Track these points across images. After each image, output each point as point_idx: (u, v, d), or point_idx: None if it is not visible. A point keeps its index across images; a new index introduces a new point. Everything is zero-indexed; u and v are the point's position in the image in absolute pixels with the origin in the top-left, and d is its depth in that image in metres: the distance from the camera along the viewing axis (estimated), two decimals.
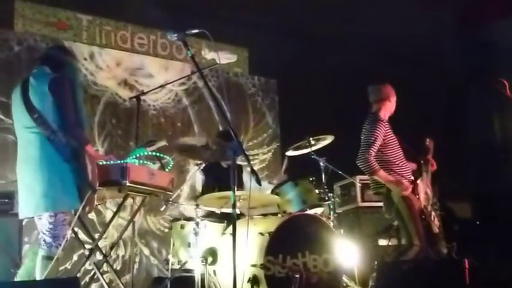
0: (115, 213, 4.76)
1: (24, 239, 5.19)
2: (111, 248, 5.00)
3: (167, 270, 5.31)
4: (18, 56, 6.43)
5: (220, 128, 7.40)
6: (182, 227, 5.19)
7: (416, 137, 5.36)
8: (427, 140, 5.41)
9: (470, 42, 8.20)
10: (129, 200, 4.83)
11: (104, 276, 4.63)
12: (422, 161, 5.34)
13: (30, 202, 3.84)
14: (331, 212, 5.59)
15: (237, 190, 3.92)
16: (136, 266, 6.67)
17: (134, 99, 5.47)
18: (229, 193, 4.04)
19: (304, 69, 7.69)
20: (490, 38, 7.97)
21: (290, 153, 5.87)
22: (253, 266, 4.60)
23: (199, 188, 5.88)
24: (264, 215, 5.43)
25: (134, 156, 4.32)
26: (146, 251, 6.87)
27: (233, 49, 7.94)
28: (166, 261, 5.28)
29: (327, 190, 5.52)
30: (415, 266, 4.30)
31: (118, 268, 6.45)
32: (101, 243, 4.75)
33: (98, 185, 3.97)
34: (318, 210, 5.49)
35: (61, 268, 5.94)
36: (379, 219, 6.62)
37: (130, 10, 6.95)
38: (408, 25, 7.37)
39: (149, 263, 6.86)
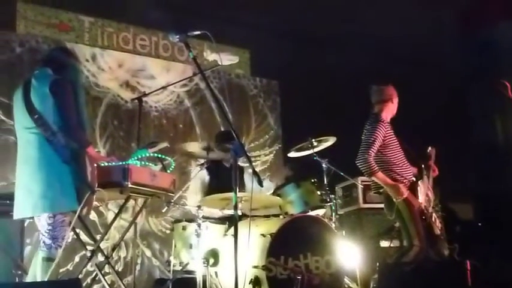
0: (117, 215, 4.76)
1: (25, 240, 5.19)
2: (113, 250, 5.01)
3: (169, 271, 5.31)
4: (20, 58, 6.44)
5: (222, 130, 7.39)
6: (184, 228, 5.19)
7: (416, 138, 5.36)
8: (429, 148, 5.41)
9: (471, 43, 8.19)
10: (131, 202, 4.82)
11: (106, 277, 4.62)
12: (423, 166, 5.33)
13: (28, 202, 3.84)
14: (333, 214, 5.58)
15: (239, 191, 3.91)
16: (138, 267, 6.66)
17: (136, 101, 5.48)
18: (231, 194, 4.03)
19: (306, 70, 7.69)
20: (491, 38, 7.96)
21: (292, 154, 5.87)
22: (255, 267, 4.60)
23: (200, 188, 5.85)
24: (266, 216, 5.43)
25: (136, 158, 4.31)
26: (148, 253, 6.87)
27: (235, 50, 7.94)
28: (168, 262, 5.27)
29: (328, 191, 5.52)
30: (417, 268, 4.30)
31: (120, 269, 6.45)
32: (102, 245, 4.74)
33: (96, 186, 3.96)
34: (319, 212, 5.48)
35: (63, 269, 5.96)
36: (380, 220, 6.62)
37: (132, 12, 6.95)
38: (411, 25, 7.37)
39: (151, 265, 6.86)
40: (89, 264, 4.50)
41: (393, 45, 7.70)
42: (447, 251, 5.18)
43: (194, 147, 5.63)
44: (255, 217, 5.20)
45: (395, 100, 5.34)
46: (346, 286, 5.13)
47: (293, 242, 4.80)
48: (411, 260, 4.91)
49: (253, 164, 4.59)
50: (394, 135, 5.21)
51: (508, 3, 7.63)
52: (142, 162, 4.34)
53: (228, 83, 7.95)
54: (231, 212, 4.82)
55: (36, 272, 3.80)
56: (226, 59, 5.23)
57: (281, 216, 5.27)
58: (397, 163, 5.14)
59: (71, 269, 6.09)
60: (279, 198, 5.33)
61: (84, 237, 4.88)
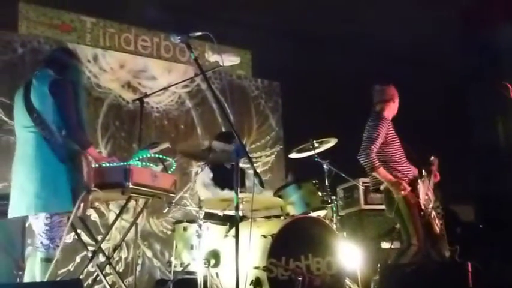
0: (118, 215, 4.77)
1: (27, 240, 5.19)
2: (114, 250, 5.01)
3: (170, 272, 5.31)
4: (22, 58, 6.44)
5: (223, 130, 7.39)
6: (185, 229, 5.19)
7: (416, 138, 5.37)
8: (432, 157, 5.41)
9: (471, 43, 8.19)
10: (132, 202, 4.82)
11: (107, 278, 4.62)
12: (423, 169, 5.33)
13: (22, 201, 3.83)
14: (334, 215, 5.58)
15: (240, 192, 3.92)
16: (139, 268, 6.66)
17: (137, 102, 5.49)
18: (232, 195, 4.03)
19: (307, 71, 7.69)
20: (491, 38, 7.96)
21: (293, 155, 5.87)
22: (256, 268, 4.60)
23: (202, 188, 5.85)
24: (267, 217, 5.43)
25: (137, 158, 4.32)
26: (149, 253, 6.87)
27: (236, 51, 7.93)
28: (169, 263, 5.28)
29: (330, 193, 5.52)
30: (418, 269, 4.30)
31: (121, 270, 6.45)
32: (103, 245, 4.75)
33: (93, 186, 3.94)
34: (321, 213, 5.48)
35: (64, 270, 5.98)
36: (382, 222, 6.63)
37: (134, 12, 6.96)
38: (412, 25, 7.37)
39: (152, 265, 6.86)
40: (90, 264, 4.51)
41: (394, 46, 7.70)
42: (448, 252, 5.18)
43: (194, 147, 5.62)
44: (256, 218, 5.21)
45: (397, 100, 5.36)
46: (347, 287, 5.13)
47: (294, 243, 4.80)
48: (410, 260, 4.91)
49: (255, 165, 4.60)
50: (395, 133, 5.22)
51: (508, 4, 7.63)
52: (144, 163, 4.34)
53: (230, 84, 7.96)
54: (232, 212, 4.83)
55: (34, 273, 3.80)
56: (228, 60, 5.22)
57: (282, 217, 5.27)
58: (398, 161, 5.16)
59: (72, 269, 6.09)
60: (280, 199, 5.33)
61: (85, 237, 4.89)
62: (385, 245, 6.52)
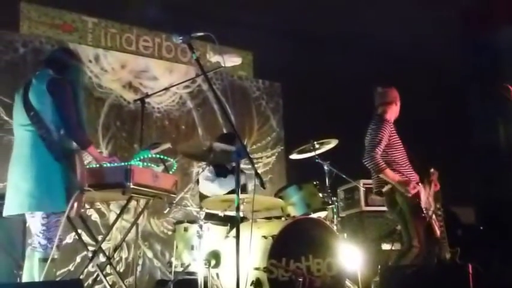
0: (118, 216, 4.77)
1: (27, 240, 5.19)
2: (115, 250, 5.01)
3: (170, 272, 5.32)
4: (24, 58, 6.45)
5: (225, 131, 7.39)
6: (185, 229, 5.19)
7: (416, 138, 5.37)
8: (431, 169, 5.40)
9: (471, 43, 8.19)
10: (133, 203, 4.83)
11: (107, 278, 4.62)
12: (424, 179, 5.33)
13: (16, 200, 3.83)
14: (335, 216, 5.58)
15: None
16: (139, 268, 6.67)
17: (139, 102, 5.49)
18: (233, 196, 4.03)
19: (309, 72, 7.70)
20: (491, 39, 7.95)
21: (294, 156, 5.87)
22: (257, 269, 4.60)
23: (205, 182, 5.84)
24: (268, 218, 5.43)
25: (138, 159, 4.32)
26: (149, 254, 6.87)
27: (238, 52, 7.93)
28: (170, 263, 5.28)
29: (330, 194, 5.51)
30: (419, 271, 4.29)
31: (121, 270, 6.45)
32: (104, 246, 4.76)
33: (86, 186, 3.93)
34: (321, 214, 5.48)
35: (64, 270, 5.98)
36: (382, 223, 6.64)
37: (135, 13, 6.96)
38: (412, 25, 7.37)
39: (152, 266, 6.87)
40: (91, 264, 4.51)
41: (394, 46, 7.69)
42: (449, 254, 5.18)
43: (194, 148, 5.62)
44: (256, 219, 5.20)
45: (399, 103, 5.37)
46: None
47: (295, 244, 4.80)
48: (411, 262, 4.91)
49: (255, 166, 4.60)
50: (398, 136, 5.23)
51: (508, 4, 7.63)
52: (145, 163, 4.35)
53: (231, 85, 7.96)
54: (232, 213, 4.83)
55: (33, 273, 3.79)
56: (229, 60, 5.22)
57: (283, 218, 5.26)
58: (401, 163, 5.16)
59: (72, 269, 6.09)
60: (280, 200, 5.33)
61: (85, 237, 4.90)
62: (386, 246, 6.52)
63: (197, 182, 6.01)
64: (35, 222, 3.85)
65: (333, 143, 5.69)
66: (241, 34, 7.45)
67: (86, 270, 4.74)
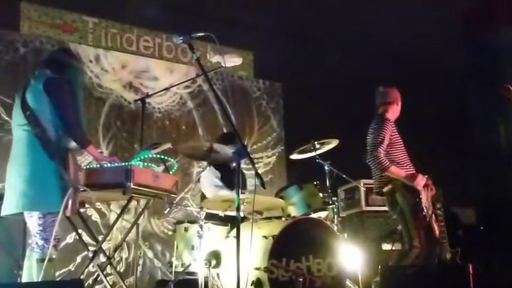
0: (119, 216, 4.77)
1: (27, 240, 5.19)
2: (115, 250, 5.01)
3: (171, 273, 5.32)
4: (24, 58, 6.45)
5: (225, 131, 7.39)
6: (186, 229, 5.19)
7: (417, 139, 5.36)
8: (426, 176, 5.40)
9: (471, 43, 8.18)
10: (133, 203, 4.83)
11: (108, 278, 4.62)
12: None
13: (11, 199, 3.83)
14: (335, 216, 5.58)
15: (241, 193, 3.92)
16: (139, 268, 6.67)
17: (139, 102, 5.49)
18: (233, 196, 4.04)
19: (309, 72, 7.69)
20: (491, 39, 7.95)
21: (294, 156, 5.87)
22: (257, 269, 4.60)
23: (211, 188, 5.84)
24: (268, 218, 5.43)
25: (139, 159, 4.32)
26: (150, 254, 6.87)
27: (238, 52, 7.93)
28: (170, 263, 5.28)
29: (331, 194, 5.52)
30: (419, 271, 4.29)
31: (121, 270, 6.45)
32: (104, 246, 4.76)
33: (79, 185, 3.92)
34: (322, 214, 5.48)
35: (64, 270, 5.98)
36: (383, 223, 6.63)
37: (136, 13, 6.96)
38: (412, 25, 7.37)
39: (153, 266, 6.86)
40: (91, 264, 4.51)
41: (394, 46, 7.69)
42: (449, 254, 5.17)
43: (194, 149, 5.62)
44: (257, 219, 5.21)
45: (400, 103, 5.37)
46: None
47: (295, 244, 4.80)
48: (412, 262, 4.91)
49: (256, 166, 4.59)
50: (399, 136, 5.23)
51: (509, 4, 7.63)
52: (145, 163, 4.34)
53: (231, 85, 7.96)
54: (233, 213, 4.83)
55: (31, 274, 3.79)
56: (230, 60, 5.22)
57: (283, 219, 5.26)
58: (402, 163, 5.16)
59: (72, 269, 6.09)
60: (281, 200, 5.33)
61: (86, 237, 4.90)
62: (386, 246, 6.51)
63: (198, 181, 6.01)
64: (33, 222, 3.85)
65: (333, 143, 5.69)
66: (241, 34, 7.45)
67: (86, 270, 4.73)
